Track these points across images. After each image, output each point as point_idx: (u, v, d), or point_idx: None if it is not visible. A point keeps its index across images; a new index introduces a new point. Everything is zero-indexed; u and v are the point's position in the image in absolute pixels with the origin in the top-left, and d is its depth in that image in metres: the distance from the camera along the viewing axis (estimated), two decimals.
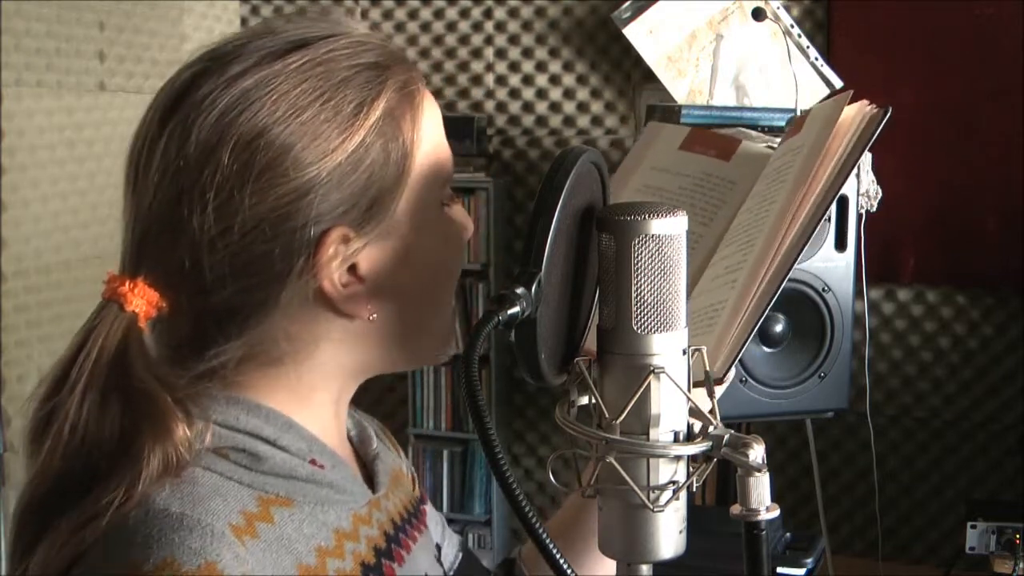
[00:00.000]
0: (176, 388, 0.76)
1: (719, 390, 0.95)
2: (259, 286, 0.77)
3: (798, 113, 2.40)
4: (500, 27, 3.92)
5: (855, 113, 0.93)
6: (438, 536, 1.03)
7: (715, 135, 1.09)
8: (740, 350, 0.87)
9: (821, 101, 1.08)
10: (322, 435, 0.83)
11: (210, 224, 0.75)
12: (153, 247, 0.77)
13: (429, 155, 0.82)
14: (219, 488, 0.74)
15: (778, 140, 1.09)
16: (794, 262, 0.88)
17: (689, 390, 0.77)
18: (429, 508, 1.03)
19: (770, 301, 0.87)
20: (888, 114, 0.89)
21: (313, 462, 0.80)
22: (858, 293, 2.37)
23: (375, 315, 0.80)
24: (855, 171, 2.29)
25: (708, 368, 0.81)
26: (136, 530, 0.70)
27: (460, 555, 1.05)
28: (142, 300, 0.76)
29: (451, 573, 1.03)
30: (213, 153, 0.75)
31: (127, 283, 0.76)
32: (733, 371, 0.94)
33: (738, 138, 1.08)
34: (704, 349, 0.81)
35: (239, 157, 0.75)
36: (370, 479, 0.89)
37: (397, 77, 0.81)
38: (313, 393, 0.83)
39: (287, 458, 0.79)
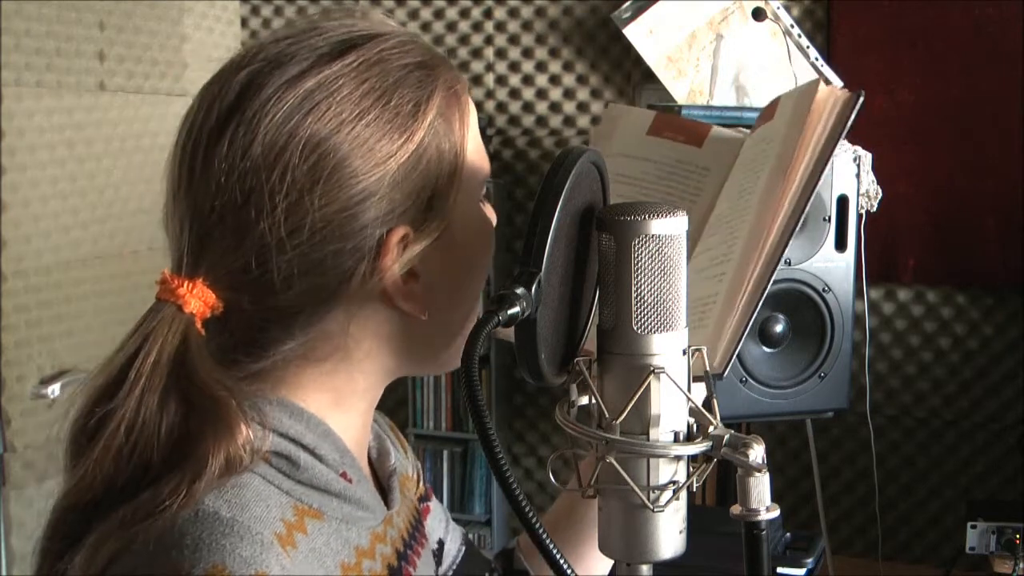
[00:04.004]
0: (236, 390, 0.75)
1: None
2: (325, 286, 0.77)
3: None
4: (500, 27, 3.92)
5: (826, 97, 0.93)
6: (441, 531, 1.03)
7: (683, 120, 1.08)
8: (738, 344, 0.87)
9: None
10: (352, 445, 0.83)
11: (279, 225, 0.75)
12: (216, 248, 0.76)
13: (474, 153, 0.83)
14: (262, 493, 0.74)
15: None
16: (783, 251, 0.88)
17: (689, 389, 0.77)
18: (433, 504, 1.03)
19: (763, 293, 0.87)
20: (861, 97, 0.89)
21: (344, 475, 0.80)
22: (858, 293, 2.37)
23: (427, 313, 0.81)
24: (856, 166, 2.29)
25: (708, 367, 0.81)
26: (185, 531, 0.69)
27: (463, 548, 1.05)
28: (200, 301, 0.75)
29: (454, 567, 1.03)
30: (281, 155, 0.75)
31: (185, 284, 0.75)
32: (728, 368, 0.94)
33: (707, 124, 1.07)
34: (704, 349, 0.81)
35: (307, 158, 0.75)
36: (384, 493, 0.89)
37: (444, 76, 0.82)
38: (351, 396, 0.83)
39: (324, 470, 0.78)
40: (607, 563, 0.80)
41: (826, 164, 0.89)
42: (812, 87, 0.94)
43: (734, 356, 0.87)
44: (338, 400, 0.82)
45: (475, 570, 1.05)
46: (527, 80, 3.90)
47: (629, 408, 0.74)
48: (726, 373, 0.87)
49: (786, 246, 0.88)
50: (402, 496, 0.94)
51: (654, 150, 1.05)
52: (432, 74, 0.81)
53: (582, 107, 3.85)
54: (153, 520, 0.70)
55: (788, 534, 2.48)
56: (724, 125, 1.10)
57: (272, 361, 0.79)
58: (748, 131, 1.04)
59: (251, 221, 0.75)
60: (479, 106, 3.94)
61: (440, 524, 1.03)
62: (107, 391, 0.74)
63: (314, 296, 0.78)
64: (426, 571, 0.93)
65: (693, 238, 0.98)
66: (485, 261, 0.87)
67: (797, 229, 0.89)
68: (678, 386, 0.75)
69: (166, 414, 0.73)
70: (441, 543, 1.02)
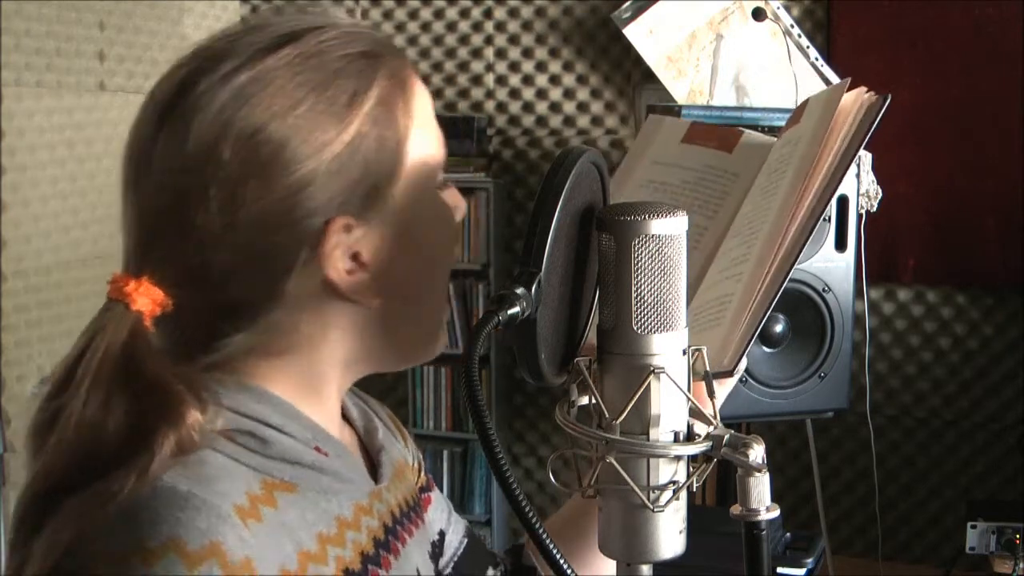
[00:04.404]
0: (185, 377, 0.76)
1: (730, 383, 0.96)
2: (266, 279, 0.78)
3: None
4: (500, 27, 3.92)
5: (853, 101, 0.93)
6: (443, 522, 1.03)
7: (716, 127, 1.09)
8: (749, 342, 0.87)
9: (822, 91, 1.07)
10: (327, 425, 0.83)
11: (215, 221, 0.76)
12: (158, 246, 0.77)
13: (422, 141, 0.83)
14: (226, 469, 0.75)
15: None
16: (799, 253, 0.88)
17: (691, 389, 0.77)
18: (435, 495, 1.04)
19: (777, 293, 0.87)
20: (888, 101, 0.89)
21: (318, 449, 0.81)
22: (858, 293, 2.37)
23: (378, 301, 0.81)
24: (856, 166, 2.29)
25: (708, 368, 0.81)
26: (143, 506, 0.70)
27: (465, 541, 1.05)
28: (147, 299, 0.76)
29: (455, 559, 1.03)
30: (214, 150, 0.75)
31: (131, 282, 0.76)
32: (744, 362, 0.94)
33: (740, 129, 1.08)
34: (704, 349, 0.81)
35: (239, 153, 0.75)
36: (374, 470, 0.90)
37: (388, 65, 0.82)
38: (319, 383, 0.83)
39: (293, 443, 0.79)
40: (612, 566, 0.80)
41: (848, 167, 0.89)
42: (839, 90, 0.94)
43: (745, 353, 0.88)
44: (305, 387, 0.83)
45: (478, 563, 1.05)
46: (527, 80, 3.90)
47: (629, 408, 0.74)
48: (737, 370, 0.87)
49: (803, 247, 0.88)
50: (400, 479, 0.95)
51: (687, 157, 1.06)
52: (374, 63, 0.81)
53: (582, 107, 3.85)
54: (111, 501, 0.71)
55: (788, 534, 2.48)
56: (724, 125, 1.11)
57: (226, 354, 0.79)
58: (777, 136, 1.06)
59: (188, 217, 0.76)
60: (478, 106, 3.94)
61: (442, 515, 1.03)
62: (60, 387, 0.75)
63: (257, 289, 0.78)
64: (417, 551, 0.93)
65: (718, 241, 0.98)
66: (443, 249, 0.87)
67: (812, 235, 0.89)
68: (678, 386, 0.75)
69: (113, 409, 0.74)
70: (442, 534, 1.02)
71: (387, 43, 0.84)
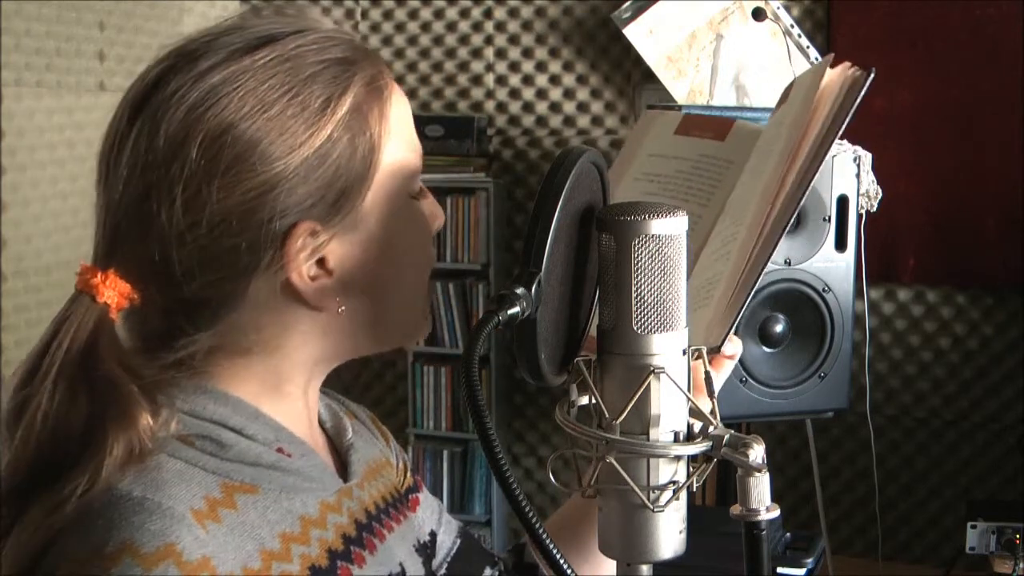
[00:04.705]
0: (143, 377, 0.77)
1: (726, 369, 0.96)
2: (228, 279, 0.78)
3: None
4: (500, 27, 3.92)
5: (837, 76, 0.92)
6: (433, 523, 1.03)
7: (709, 118, 1.10)
8: (737, 317, 0.87)
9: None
10: (291, 425, 0.84)
11: (178, 218, 0.76)
12: (124, 240, 0.78)
13: (397, 149, 0.83)
14: (183, 474, 0.75)
15: None
16: (783, 230, 0.88)
17: (690, 388, 0.77)
18: (423, 496, 1.04)
19: (761, 270, 0.88)
20: (872, 76, 0.88)
21: (280, 450, 0.81)
22: (858, 293, 2.37)
23: (343, 307, 0.82)
24: (856, 166, 2.29)
25: (708, 368, 0.81)
26: (99, 514, 0.71)
27: (459, 541, 1.05)
28: (113, 292, 0.77)
29: (449, 559, 1.03)
30: (181, 148, 0.76)
31: (98, 275, 0.77)
32: (739, 346, 0.94)
33: (732, 119, 1.08)
34: (704, 349, 0.81)
35: (206, 152, 0.76)
36: (343, 468, 0.90)
37: (365, 72, 0.82)
38: (282, 383, 0.84)
39: (252, 445, 0.79)
40: (612, 567, 0.80)
41: (832, 143, 0.89)
42: (823, 67, 0.94)
43: (731, 331, 0.88)
44: (268, 389, 0.83)
45: (474, 563, 1.05)
46: (527, 80, 3.90)
47: (629, 408, 0.74)
48: (725, 348, 0.88)
49: (787, 224, 0.88)
50: (378, 476, 0.96)
51: (682, 148, 1.07)
52: (350, 70, 0.81)
53: (582, 107, 3.85)
54: (68, 506, 0.72)
55: (788, 534, 2.48)
56: (717, 116, 1.12)
57: (187, 352, 0.79)
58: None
59: (153, 214, 0.76)
60: (478, 106, 3.94)
61: (432, 516, 1.03)
62: (27, 378, 0.76)
63: (218, 289, 0.78)
64: (401, 546, 0.94)
65: (711, 228, 0.99)
66: (417, 255, 0.87)
67: (798, 209, 0.89)
68: (678, 386, 0.75)
69: (76, 402, 0.75)
70: (433, 534, 1.02)
71: (366, 50, 0.84)
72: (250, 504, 0.77)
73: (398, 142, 0.83)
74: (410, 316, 0.87)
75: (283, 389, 0.84)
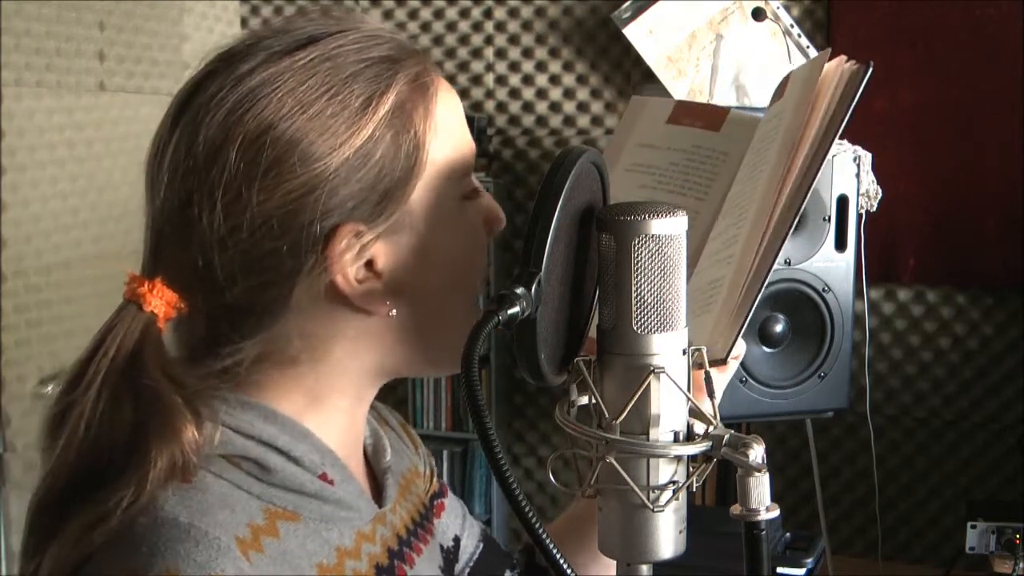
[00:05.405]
0: (187, 387, 0.75)
1: (728, 372, 0.95)
2: (271, 283, 0.77)
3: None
4: (500, 27, 3.92)
5: (834, 70, 0.91)
6: (457, 528, 1.02)
7: (702, 106, 1.07)
8: (741, 327, 0.86)
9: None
10: (336, 444, 0.82)
11: (219, 223, 0.75)
12: (168, 247, 0.77)
13: (444, 147, 0.81)
14: (227, 498, 0.74)
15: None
16: (789, 231, 0.86)
17: (690, 389, 0.77)
18: (448, 500, 1.03)
19: (767, 275, 0.86)
20: (870, 69, 0.87)
21: (324, 476, 0.80)
22: (858, 293, 2.37)
23: (394, 311, 0.80)
24: (856, 166, 2.29)
25: (708, 368, 0.81)
26: (143, 538, 0.70)
27: (481, 546, 1.05)
28: (160, 300, 0.76)
29: (471, 564, 1.02)
30: (220, 152, 0.75)
31: (145, 284, 0.76)
32: (742, 349, 0.93)
33: (725, 107, 1.06)
34: (704, 349, 0.81)
35: (245, 154, 0.74)
36: (378, 491, 0.89)
37: (409, 70, 0.80)
38: (330, 396, 0.82)
39: (298, 472, 0.78)
40: (613, 568, 0.80)
41: (834, 138, 0.86)
42: (820, 60, 0.92)
43: (737, 339, 0.86)
44: (315, 401, 0.81)
45: (495, 566, 1.05)
46: (527, 80, 3.90)
47: (629, 408, 0.74)
48: (731, 359, 0.86)
49: (792, 224, 0.86)
50: (408, 493, 0.94)
51: (674, 138, 1.04)
52: (394, 68, 0.79)
53: (582, 107, 3.85)
54: (111, 521, 0.71)
55: (788, 534, 2.48)
56: (710, 104, 1.09)
57: (233, 361, 0.78)
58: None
59: (194, 219, 0.75)
60: (478, 106, 3.94)
61: (456, 521, 1.02)
62: (71, 385, 0.75)
63: (262, 294, 0.77)
64: (427, 569, 0.93)
65: (710, 223, 0.97)
66: (468, 258, 0.85)
67: (800, 212, 0.86)
68: (678, 386, 0.75)
69: (120, 411, 0.74)
70: (457, 539, 1.01)
71: (412, 48, 0.82)
72: (291, 532, 0.76)
73: (445, 140, 0.81)
74: (462, 325, 0.81)
75: (329, 402, 0.82)
